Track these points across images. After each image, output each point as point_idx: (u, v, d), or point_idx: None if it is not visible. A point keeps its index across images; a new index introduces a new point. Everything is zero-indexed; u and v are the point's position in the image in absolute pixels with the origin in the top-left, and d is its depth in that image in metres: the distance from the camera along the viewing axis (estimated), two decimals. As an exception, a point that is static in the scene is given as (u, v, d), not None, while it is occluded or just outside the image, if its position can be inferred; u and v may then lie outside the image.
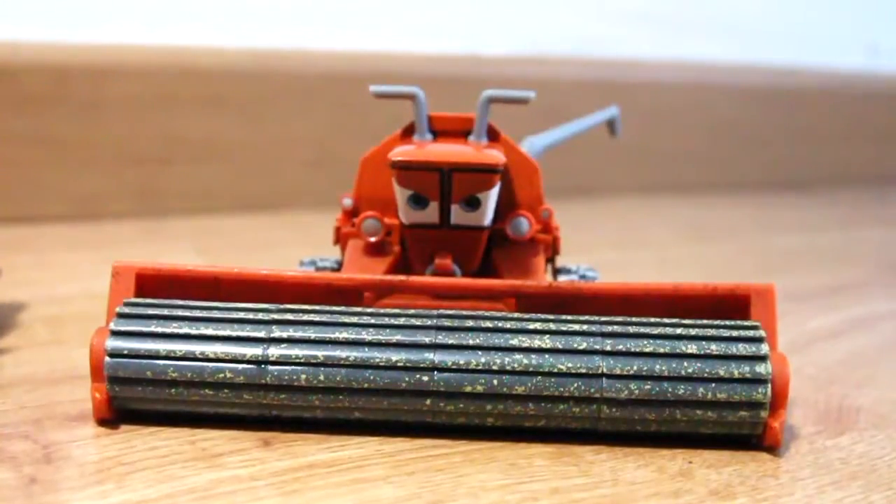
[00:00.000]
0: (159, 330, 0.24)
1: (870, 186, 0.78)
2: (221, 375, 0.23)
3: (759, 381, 0.23)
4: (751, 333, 0.24)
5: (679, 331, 0.24)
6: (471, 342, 0.23)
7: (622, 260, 0.49)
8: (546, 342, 0.24)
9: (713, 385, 0.23)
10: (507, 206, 0.28)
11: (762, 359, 0.24)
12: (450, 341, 0.23)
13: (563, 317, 0.25)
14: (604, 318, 0.25)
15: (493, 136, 0.28)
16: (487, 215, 0.27)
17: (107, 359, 0.23)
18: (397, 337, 0.23)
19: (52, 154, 0.51)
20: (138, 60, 0.53)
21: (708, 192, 0.72)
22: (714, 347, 0.24)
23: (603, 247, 0.51)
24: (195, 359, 0.23)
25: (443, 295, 0.26)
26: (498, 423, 0.24)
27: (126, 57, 0.52)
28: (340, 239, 0.29)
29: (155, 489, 0.21)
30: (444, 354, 0.23)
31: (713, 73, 0.75)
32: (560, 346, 0.23)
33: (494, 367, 0.23)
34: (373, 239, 0.28)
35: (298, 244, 0.48)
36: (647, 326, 0.24)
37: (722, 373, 0.23)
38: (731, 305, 0.25)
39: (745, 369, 0.23)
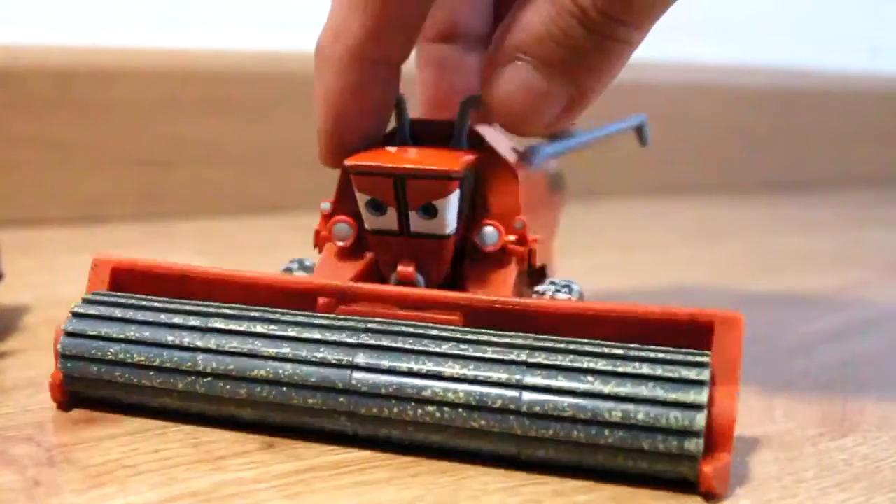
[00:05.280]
0: (116, 314, 0.25)
1: (872, 187, 0.78)
2: (158, 361, 0.24)
3: (687, 433, 0.21)
4: (692, 375, 0.21)
5: (607, 366, 0.22)
6: (384, 343, 0.23)
7: (625, 262, 0.49)
8: (458, 360, 0.22)
9: (633, 432, 0.21)
10: (481, 215, 0.27)
11: (694, 407, 0.21)
12: (370, 342, 0.23)
13: (493, 334, 0.23)
14: (537, 342, 0.23)
15: (475, 141, 0.27)
16: (447, 223, 0.26)
17: (62, 338, 0.25)
18: (328, 335, 0.23)
19: (55, 157, 0.51)
20: (141, 63, 0.53)
21: (710, 194, 0.72)
22: (642, 391, 0.21)
23: (605, 249, 0.51)
24: (137, 342, 0.24)
25: (406, 305, 0.25)
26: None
27: (129, 60, 0.52)
28: (319, 243, 0.28)
29: (158, 492, 0.21)
30: (363, 355, 0.23)
31: (714, 74, 0.75)
32: (472, 367, 0.22)
33: (400, 368, 0.23)
34: (340, 243, 0.27)
35: (300, 246, 0.48)
36: (578, 356, 0.22)
37: (642, 418, 0.21)
38: (692, 333, 0.22)
39: (675, 415, 0.21)
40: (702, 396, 0.21)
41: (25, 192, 0.50)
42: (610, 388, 0.21)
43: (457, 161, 0.25)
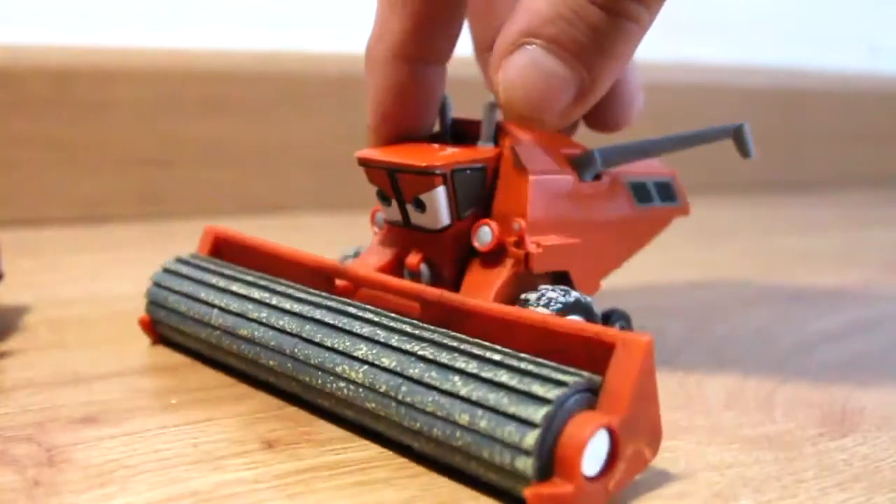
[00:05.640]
0: (184, 272, 0.30)
1: (872, 187, 0.78)
2: (191, 312, 0.28)
3: (518, 449, 0.19)
4: (540, 391, 0.20)
5: (475, 369, 0.21)
6: (327, 320, 0.25)
7: (627, 262, 0.49)
8: (370, 342, 0.23)
9: (477, 438, 0.20)
10: (486, 214, 0.27)
11: (528, 423, 0.19)
12: (319, 317, 0.25)
13: (412, 324, 0.24)
14: (437, 338, 0.23)
15: (499, 140, 0.27)
16: (438, 218, 0.26)
17: (151, 286, 0.30)
18: (295, 307, 0.26)
19: (55, 157, 0.51)
20: (141, 63, 0.53)
21: (711, 194, 0.72)
22: (490, 398, 0.20)
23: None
24: (185, 295, 0.29)
25: (374, 290, 0.27)
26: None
27: (129, 60, 0.52)
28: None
29: (158, 492, 0.21)
30: (309, 328, 0.25)
31: (715, 74, 0.75)
32: (375, 351, 0.23)
33: (325, 343, 0.24)
34: (376, 230, 0.29)
35: (300, 246, 0.48)
36: (458, 355, 0.22)
37: (484, 426, 0.20)
38: (603, 352, 0.21)
39: (514, 434, 0.20)
40: (537, 414, 0.19)
41: (25, 192, 0.50)
42: (467, 390, 0.21)
43: (444, 158, 0.26)
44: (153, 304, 0.30)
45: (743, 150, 0.29)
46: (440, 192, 0.26)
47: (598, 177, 0.29)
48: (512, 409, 0.20)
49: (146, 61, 0.53)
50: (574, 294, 0.26)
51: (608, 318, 0.29)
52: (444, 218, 0.26)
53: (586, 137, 0.31)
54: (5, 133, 0.49)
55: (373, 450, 0.23)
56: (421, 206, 0.26)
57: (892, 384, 0.30)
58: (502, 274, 0.26)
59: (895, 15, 0.82)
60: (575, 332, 0.22)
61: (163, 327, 0.30)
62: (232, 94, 0.55)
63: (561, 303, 0.26)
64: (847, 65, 0.80)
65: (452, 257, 0.27)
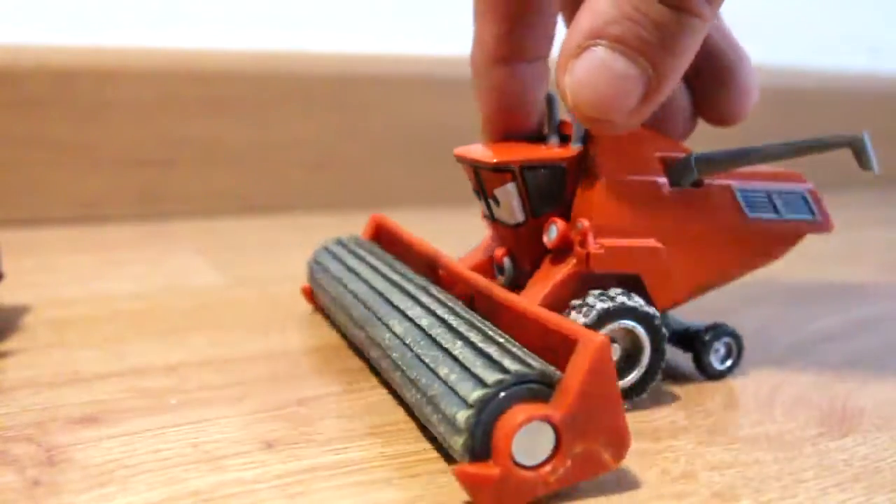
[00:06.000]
0: (340, 253, 0.33)
1: (872, 187, 0.78)
2: (326, 285, 0.32)
3: (454, 425, 0.21)
4: (485, 376, 0.21)
5: (448, 343, 0.23)
6: (408, 291, 0.28)
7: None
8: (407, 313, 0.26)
9: (432, 402, 0.22)
10: (573, 215, 0.27)
11: (465, 403, 0.21)
12: (387, 293, 0.28)
13: (446, 307, 0.26)
14: (474, 319, 0.24)
15: (586, 141, 0.27)
16: (512, 213, 0.28)
17: (311, 261, 0.34)
18: (394, 280, 0.29)
19: (55, 157, 0.51)
20: (141, 63, 0.53)
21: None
22: (444, 370, 0.22)
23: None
24: (326, 271, 0.33)
25: (450, 280, 0.30)
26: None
27: (129, 60, 0.52)
28: None
29: (157, 492, 0.21)
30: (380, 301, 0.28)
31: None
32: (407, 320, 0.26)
33: (379, 312, 0.27)
34: (484, 221, 0.30)
35: (300, 246, 0.48)
36: (450, 332, 0.24)
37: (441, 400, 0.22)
38: (570, 349, 0.21)
39: (452, 410, 0.21)
40: (473, 395, 0.20)
41: (25, 191, 0.50)
42: (430, 357, 0.23)
43: (516, 155, 0.27)
44: (311, 277, 0.34)
45: (863, 161, 0.26)
46: (510, 189, 0.27)
47: (697, 183, 0.28)
48: (458, 388, 0.21)
49: (146, 61, 0.53)
50: (621, 299, 0.25)
51: (702, 333, 0.29)
52: (518, 214, 0.27)
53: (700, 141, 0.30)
54: (5, 133, 0.49)
55: (373, 450, 0.23)
56: (497, 202, 0.28)
57: (892, 384, 0.30)
58: (562, 271, 0.26)
59: (895, 15, 0.82)
60: (552, 326, 0.22)
61: (315, 297, 0.34)
62: (232, 94, 0.55)
63: (599, 310, 0.25)
64: (847, 65, 0.80)
65: (531, 253, 0.28)
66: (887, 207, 0.74)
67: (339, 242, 0.34)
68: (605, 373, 0.21)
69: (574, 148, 0.27)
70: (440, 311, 0.25)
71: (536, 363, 0.21)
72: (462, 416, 0.20)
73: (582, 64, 0.24)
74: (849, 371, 0.31)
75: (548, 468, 0.20)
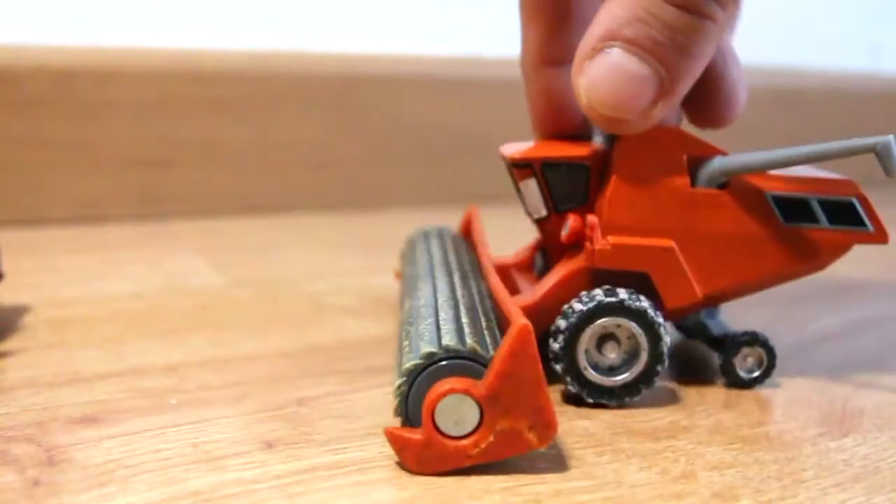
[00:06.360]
0: (418, 243, 0.34)
1: (872, 187, 0.78)
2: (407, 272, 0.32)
3: (397, 388, 0.23)
4: (423, 348, 0.23)
5: (429, 314, 0.25)
6: (452, 274, 0.29)
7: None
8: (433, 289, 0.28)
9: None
10: (583, 209, 0.29)
11: (404, 371, 0.23)
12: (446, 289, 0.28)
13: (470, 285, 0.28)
14: (483, 300, 0.27)
15: (611, 141, 0.28)
16: (534, 207, 0.29)
17: (404, 247, 0.36)
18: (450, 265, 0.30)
19: (55, 157, 0.51)
20: (141, 63, 0.53)
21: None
22: (410, 334, 0.25)
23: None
24: (408, 262, 0.33)
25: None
26: None
27: (128, 60, 0.52)
28: None
29: (157, 492, 0.21)
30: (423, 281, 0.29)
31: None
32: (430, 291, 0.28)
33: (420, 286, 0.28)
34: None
35: (300, 246, 0.48)
36: (448, 308, 0.25)
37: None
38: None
39: (396, 378, 0.23)
40: (408, 364, 0.22)
41: (25, 191, 0.50)
42: (406, 331, 0.25)
43: (537, 152, 0.28)
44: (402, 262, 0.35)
45: (888, 167, 0.26)
46: (531, 184, 0.28)
47: (724, 185, 0.28)
48: (404, 358, 0.23)
49: (146, 61, 0.53)
50: (609, 297, 0.26)
51: (727, 339, 0.29)
52: (540, 209, 0.29)
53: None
54: (5, 133, 0.49)
55: (373, 450, 0.23)
56: (522, 197, 0.29)
57: (893, 384, 0.30)
58: (570, 266, 0.28)
59: (895, 15, 0.82)
60: (503, 314, 0.24)
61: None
62: (232, 94, 0.55)
63: (585, 309, 0.26)
64: (847, 65, 0.80)
65: (556, 248, 0.29)
66: (887, 207, 0.74)
67: (427, 234, 0.35)
68: (527, 354, 0.22)
69: (598, 146, 0.28)
70: (458, 293, 0.27)
71: (472, 342, 0.23)
72: (397, 383, 0.23)
73: (596, 65, 0.24)
74: (849, 371, 0.31)
75: (470, 440, 0.22)
